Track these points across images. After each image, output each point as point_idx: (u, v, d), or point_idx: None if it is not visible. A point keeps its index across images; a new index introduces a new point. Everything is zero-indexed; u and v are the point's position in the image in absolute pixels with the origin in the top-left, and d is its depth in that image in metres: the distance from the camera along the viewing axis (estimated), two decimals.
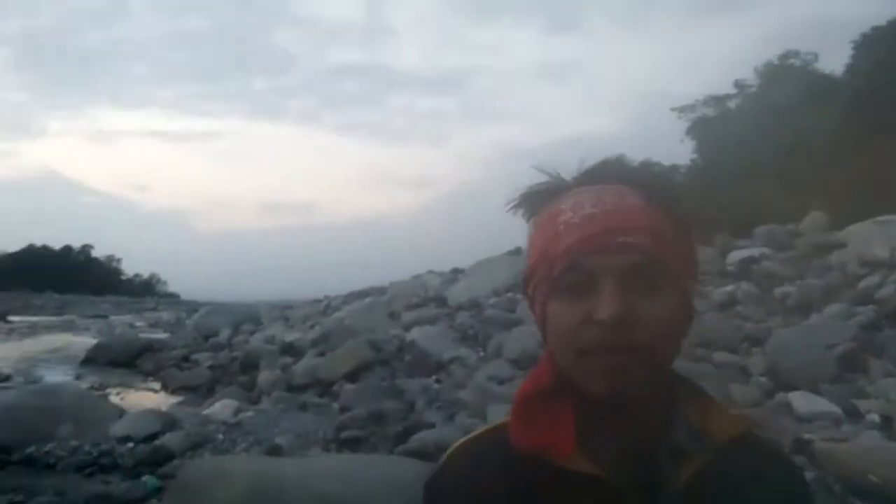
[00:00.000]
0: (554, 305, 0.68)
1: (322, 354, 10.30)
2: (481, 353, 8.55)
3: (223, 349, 14.06)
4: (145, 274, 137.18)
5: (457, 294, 12.69)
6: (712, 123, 31.47)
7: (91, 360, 14.61)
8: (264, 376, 9.86)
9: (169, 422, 7.17)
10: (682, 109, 33.39)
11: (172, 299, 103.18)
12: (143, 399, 10.27)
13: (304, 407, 8.01)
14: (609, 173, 0.71)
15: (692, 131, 32.56)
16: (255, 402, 8.91)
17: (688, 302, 0.70)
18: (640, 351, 0.64)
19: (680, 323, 0.69)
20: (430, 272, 17.87)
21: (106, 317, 38.41)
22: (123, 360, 14.49)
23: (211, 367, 12.17)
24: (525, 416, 0.72)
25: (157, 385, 11.93)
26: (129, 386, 11.77)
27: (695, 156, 32.43)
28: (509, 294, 11.23)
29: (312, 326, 13.71)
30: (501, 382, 6.35)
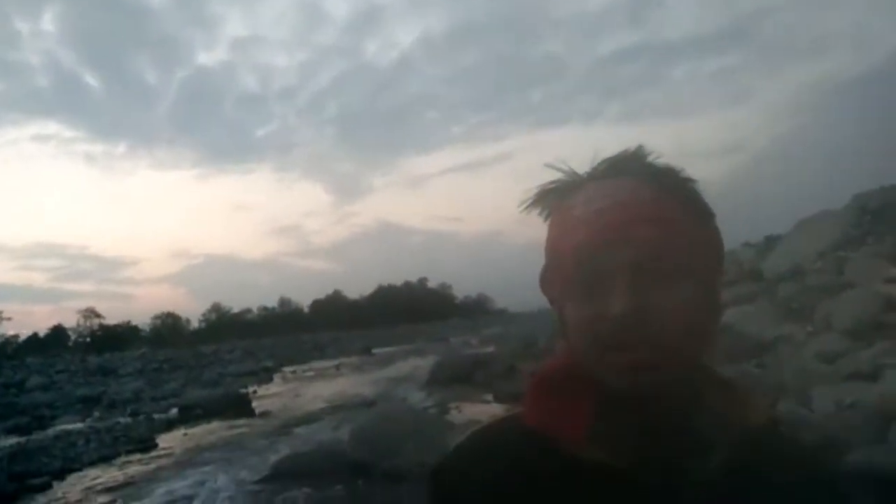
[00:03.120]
0: (570, 304, 0.67)
1: None
2: (809, 329, 7.47)
3: (543, 356, 14.61)
4: (474, 295, 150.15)
5: (775, 263, 11.30)
6: None
7: (434, 379, 16.48)
8: None
9: None
10: None
11: (501, 314, 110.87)
12: (478, 411, 11.18)
13: None
14: (624, 166, 0.69)
15: None
16: None
17: (711, 294, 0.66)
18: (657, 345, 0.61)
19: (702, 316, 0.65)
20: (746, 244, 16.47)
21: (446, 339, 43.00)
22: (460, 376, 16.03)
23: (532, 374, 12.69)
24: (541, 399, 0.72)
25: (489, 396, 12.88)
26: (466, 399, 12.93)
27: None
28: (839, 253, 9.64)
29: None
30: (831, 360, 5.42)
